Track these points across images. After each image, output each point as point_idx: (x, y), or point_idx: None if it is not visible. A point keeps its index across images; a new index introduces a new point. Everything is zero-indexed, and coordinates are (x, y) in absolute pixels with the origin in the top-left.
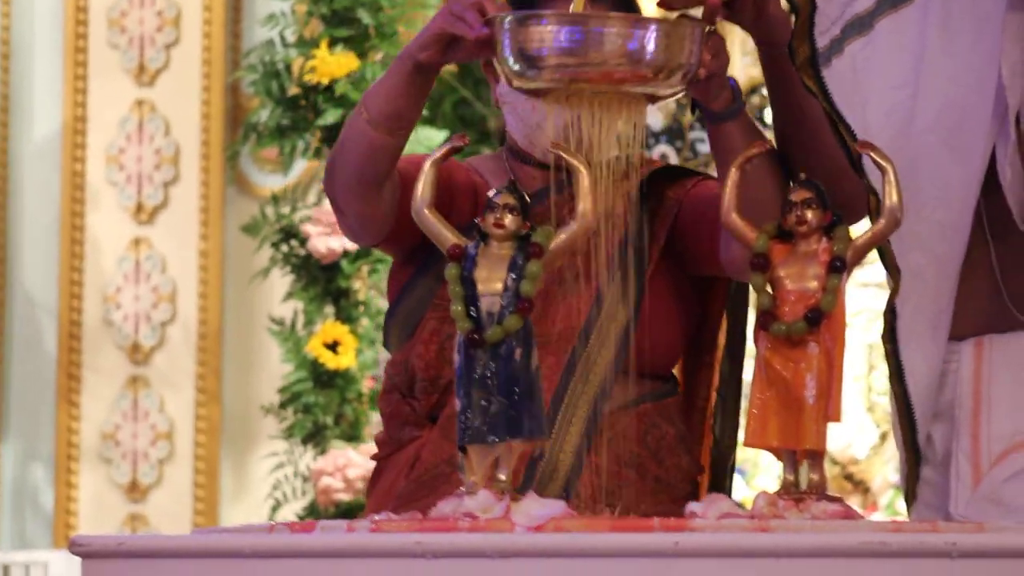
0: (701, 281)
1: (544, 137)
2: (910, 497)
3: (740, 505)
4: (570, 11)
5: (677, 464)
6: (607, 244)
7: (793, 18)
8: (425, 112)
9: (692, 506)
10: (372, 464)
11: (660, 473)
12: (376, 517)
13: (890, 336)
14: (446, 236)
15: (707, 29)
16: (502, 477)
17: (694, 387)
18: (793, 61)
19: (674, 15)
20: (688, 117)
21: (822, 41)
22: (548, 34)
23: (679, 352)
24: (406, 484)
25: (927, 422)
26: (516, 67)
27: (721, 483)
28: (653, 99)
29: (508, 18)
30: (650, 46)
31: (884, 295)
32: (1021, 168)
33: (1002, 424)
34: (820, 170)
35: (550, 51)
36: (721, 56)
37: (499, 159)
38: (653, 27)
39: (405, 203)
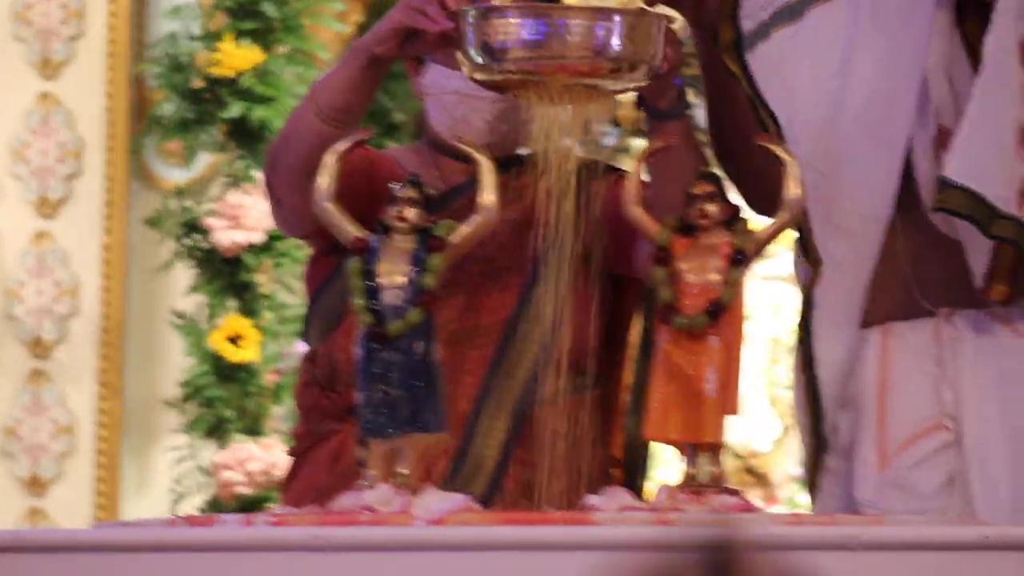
0: (615, 279)
1: (469, 130)
2: (813, 487)
3: (640, 498)
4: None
5: (597, 457)
6: (534, 237)
7: None
8: None
9: (592, 499)
10: (274, 459)
11: (581, 467)
12: (276, 510)
13: (803, 324)
14: (347, 229)
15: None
16: (403, 471)
17: (607, 383)
18: (716, 43)
19: (629, 3)
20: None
21: (748, 24)
22: (512, 27)
23: (598, 346)
24: (328, 478)
25: (834, 411)
26: (479, 60)
27: (635, 480)
28: (614, 92)
29: (471, 11)
30: (615, 39)
31: (787, 288)
32: (935, 162)
33: (908, 410)
34: (755, 156)
35: (514, 44)
36: (678, 50)
37: (422, 151)
38: (618, 20)
39: (339, 194)
